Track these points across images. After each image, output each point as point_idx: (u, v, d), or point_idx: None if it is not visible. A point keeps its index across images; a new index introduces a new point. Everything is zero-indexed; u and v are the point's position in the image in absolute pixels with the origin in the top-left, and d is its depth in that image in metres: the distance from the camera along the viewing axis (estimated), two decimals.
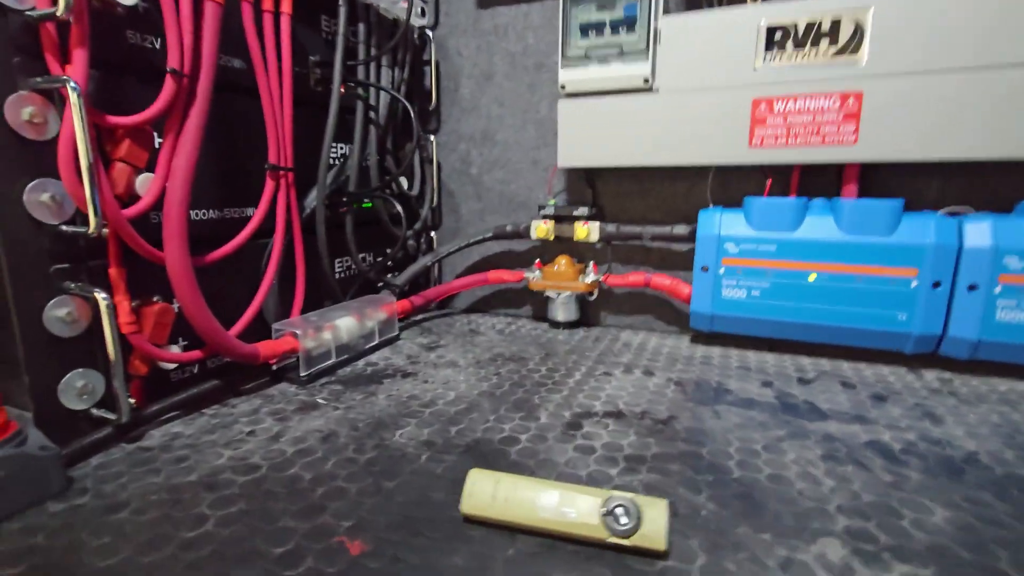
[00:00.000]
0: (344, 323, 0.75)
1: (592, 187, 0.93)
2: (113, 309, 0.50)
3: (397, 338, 0.88)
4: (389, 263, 0.98)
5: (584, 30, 0.79)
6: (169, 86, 0.52)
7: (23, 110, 0.46)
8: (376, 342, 0.82)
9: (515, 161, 0.99)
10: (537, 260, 0.96)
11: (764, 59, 0.71)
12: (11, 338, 0.49)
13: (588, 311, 0.97)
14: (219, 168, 0.64)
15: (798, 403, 0.63)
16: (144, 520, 0.41)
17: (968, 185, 0.73)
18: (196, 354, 0.60)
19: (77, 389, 0.52)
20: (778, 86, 0.71)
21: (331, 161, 0.80)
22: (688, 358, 0.79)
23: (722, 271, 0.78)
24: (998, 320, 0.67)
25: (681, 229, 0.84)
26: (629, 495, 0.38)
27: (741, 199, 0.83)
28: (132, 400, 0.55)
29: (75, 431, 0.52)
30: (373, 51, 0.81)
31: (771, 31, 0.70)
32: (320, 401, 0.63)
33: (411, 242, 1.01)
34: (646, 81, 0.77)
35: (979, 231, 0.66)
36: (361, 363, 0.77)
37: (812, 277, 0.74)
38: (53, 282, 0.50)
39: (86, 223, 0.49)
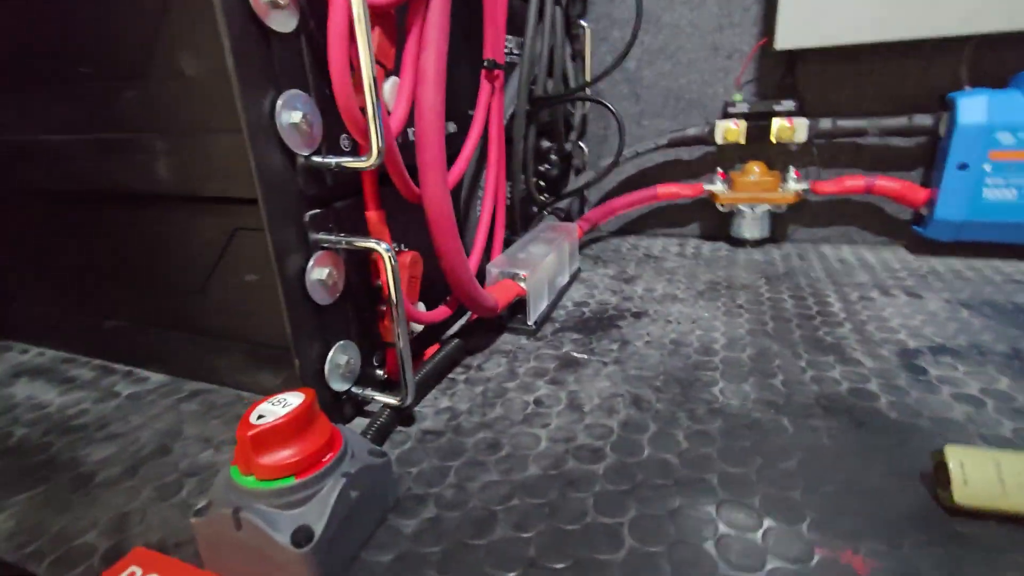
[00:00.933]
0: (550, 259, 0.64)
1: (792, 75, 0.78)
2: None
3: (579, 270, 0.77)
4: (542, 183, 0.84)
5: None
6: None
7: None
8: (568, 279, 0.71)
9: (687, 49, 0.82)
10: (719, 170, 0.82)
11: None
12: (270, 309, 0.38)
13: (773, 225, 0.85)
14: None
15: None
16: (545, 544, 0.32)
17: None
18: (446, 311, 0.49)
19: (341, 368, 0.41)
20: None
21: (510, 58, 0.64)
22: (935, 275, 0.68)
23: (988, 168, 0.66)
24: None
25: (924, 119, 0.70)
26: None
27: (1001, 80, 0.69)
28: (383, 373, 0.45)
29: (341, 417, 0.43)
30: None
31: None
32: (575, 355, 0.53)
33: (553, 156, 0.87)
34: None
35: None
36: (568, 304, 0.66)
37: None
38: (307, 234, 0.37)
39: (336, 151, 0.36)
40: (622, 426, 0.42)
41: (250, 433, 0.28)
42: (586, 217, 0.84)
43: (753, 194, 0.78)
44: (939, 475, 0.33)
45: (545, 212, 0.82)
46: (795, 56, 0.76)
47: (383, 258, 0.37)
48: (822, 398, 0.44)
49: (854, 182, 0.75)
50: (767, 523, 0.32)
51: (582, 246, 0.89)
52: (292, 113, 0.34)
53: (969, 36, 0.67)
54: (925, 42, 0.70)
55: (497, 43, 0.51)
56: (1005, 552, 0.29)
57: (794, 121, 0.75)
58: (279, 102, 0.33)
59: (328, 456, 0.30)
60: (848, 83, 0.76)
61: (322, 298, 0.39)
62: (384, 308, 0.44)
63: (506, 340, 0.57)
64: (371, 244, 0.37)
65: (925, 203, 0.72)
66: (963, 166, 0.67)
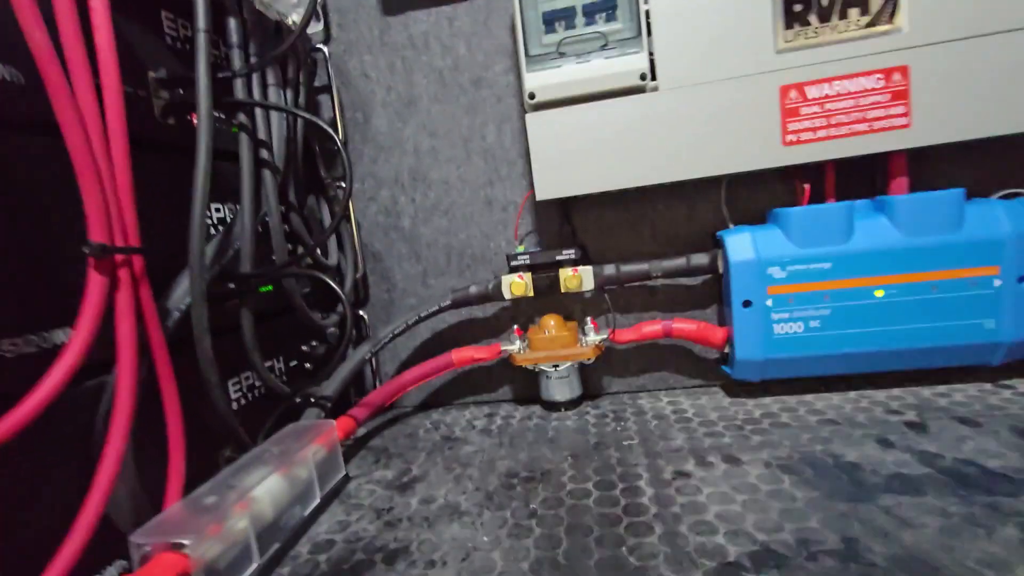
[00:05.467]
0: (266, 489, 0.45)
1: (570, 223, 0.73)
2: None
3: (347, 479, 0.58)
4: (307, 365, 0.68)
5: (549, 22, 0.61)
6: None
7: None
8: (317, 501, 0.52)
9: (461, 204, 0.76)
10: (515, 327, 0.73)
11: (786, 37, 0.57)
12: None
13: (587, 379, 0.75)
14: None
15: (954, 466, 0.46)
16: None
17: (1009, 164, 0.64)
18: None
19: None
20: (808, 68, 0.57)
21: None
22: (752, 423, 0.60)
23: (769, 303, 0.62)
24: None
25: (701, 259, 0.66)
26: None
27: (759, 215, 0.69)
28: None
29: None
30: (252, 59, 0.54)
31: (788, 3, 0.57)
32: None
33: (331, 329, 0.72)
34: (643, 77, 0.59)
35: None
36: (304, 548, 0.46)
37: (879, 293, 0.60)
38: None
39: None
40: None
41: None
42: (365, 402, 0.68)
43: (550, 352, 0.68)
44: None
45: (317, 404, 0.64)
46: (567, 204, 0.72)
47: None
48: None
49: (652, 327, 0.69)
50: None
51: (368, 434, 0.71)
52: None
53: (718, 178, 0.67)
54: (685, 184, 0.70)
55: (119, 220, 0.37)
56: None
57: (579, 269, 0.69)
58: None
59: None
60: (624, 228, 0.73)
61: None
62: None
63: None
64: None
65: (725, 342, 0.67)
66: (747, 303, 0.62)
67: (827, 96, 0.57)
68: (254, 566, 0.42)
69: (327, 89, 0.74)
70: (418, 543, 0.45)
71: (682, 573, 0.37)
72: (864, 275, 0.60)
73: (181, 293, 0.45)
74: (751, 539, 0.40)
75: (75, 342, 0.34)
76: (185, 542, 0.37)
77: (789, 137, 0.59)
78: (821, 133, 0.58)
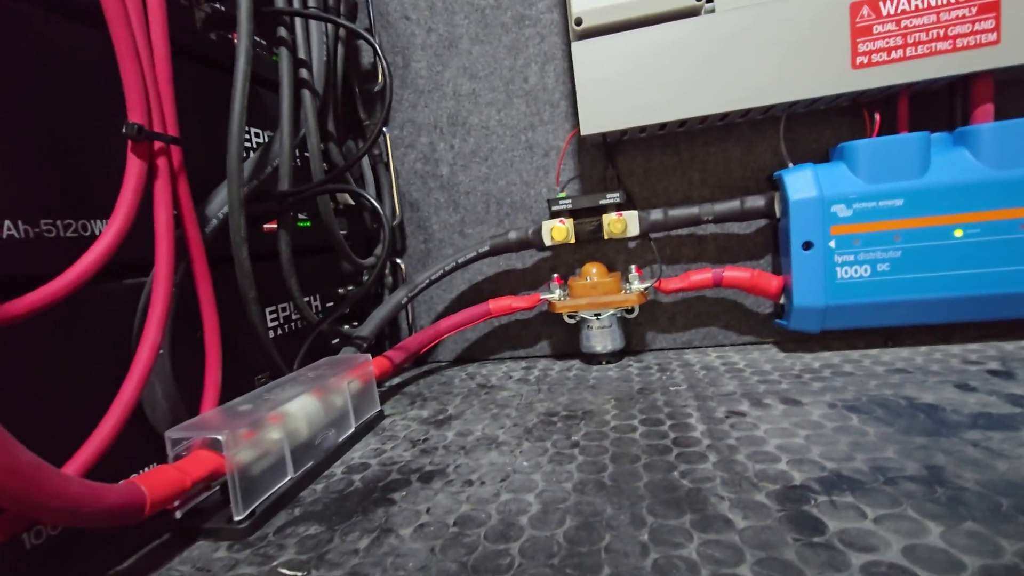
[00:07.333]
0: (300, 407, 0.44)
1: (614, 167, 0.70)
2: None
3: (381, 415, 0.57)
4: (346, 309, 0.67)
5: None
6: None
7: None
8: (352, 429, 0.51)
9: (501, 149, 0.73)
10: (555, 275, 0.70)
11: None
12: None
13: (629, 334, 0.72)
14: (24, 144, 0.33)
15: None
16: None
17: None
18: None
19: None
20: None
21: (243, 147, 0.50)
22: (811, 372, 0.56)
23: (832, 244, 0.57)
24: None
25: (756, 201, 0.62)
26: None
27: (821, 155, 0.64)
28: None
29: None
30: None
31: None
32: (285, 573, 0.31)
33: (366, 276, 0.71)
34: None
35: None
36: (338, 469, 0.45)
37: (959, 232, 0.54)
38: None
39: None
40: None
41: None
42: (401, 346, 0.66)
43: (592, 299, 0.65)
44: None
45: (353, 343, 0.63)
46: (612, 147, 0.69)
47: None
48: None
49: (701, 275, 0.65)
50: None
51: (404, 381, 0.70)
52: None
53: (773, 114, 0.63)
54: (740, 124, 0.66)
55: (158, 107, 0.36)
56: None
57: (623, 214, 0.65)
58: None
59: None
60: (672, 172, 0.69)
61: None
62: None
63: (194, 554, 0.35)
64: None
65: (780, 292, 0.62)
66: (807, 245, 0.58)
67: (903, 12, 0.52)
68: (288, 478, 0.41)
69: (368, 33, 0.73)
70: (455, 466, 0.43)
71: (742, 494, 0.34)
72: (941, 213, 0.54)
73: (219, 202, 0.44)
74: (818, 466, 0.36)
75: (113, 222, 0.33)
76: (220, 438, 0.36)
77: (860, 59, 0.54)
78: (896, 54, 0.53)
